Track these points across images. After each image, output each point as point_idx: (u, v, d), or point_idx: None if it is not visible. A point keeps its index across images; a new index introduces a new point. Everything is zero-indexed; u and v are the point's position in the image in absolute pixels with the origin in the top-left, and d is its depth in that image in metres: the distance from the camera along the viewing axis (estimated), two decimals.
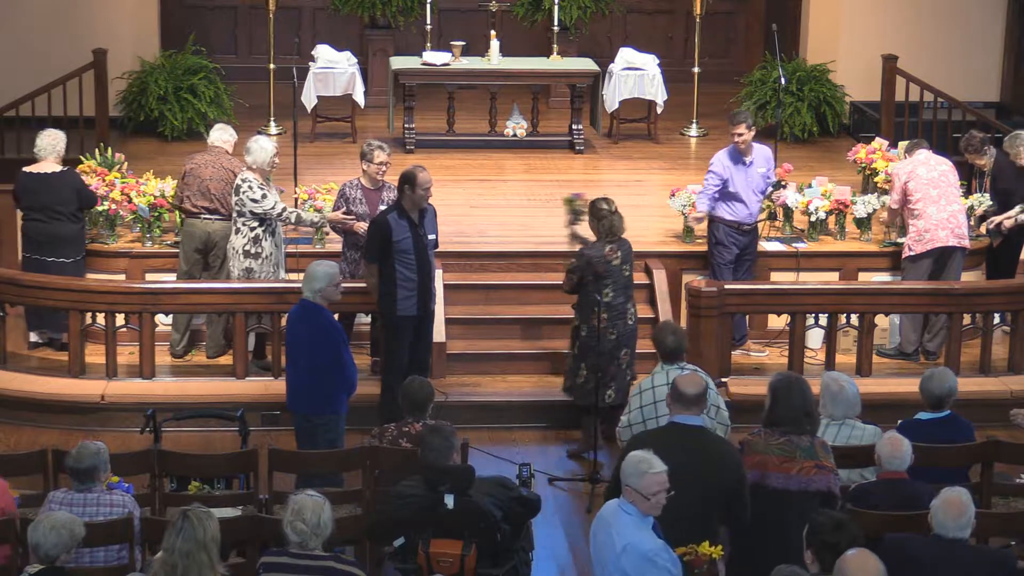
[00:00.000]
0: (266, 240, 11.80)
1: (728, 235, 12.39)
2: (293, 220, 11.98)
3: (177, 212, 12.60)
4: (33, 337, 12.51)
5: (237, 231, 11.81)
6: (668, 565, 7.05)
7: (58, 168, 12.30)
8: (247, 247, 11.78)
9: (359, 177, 11.90)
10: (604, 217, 11.09)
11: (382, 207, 11.57)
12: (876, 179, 13.86)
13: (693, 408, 7.78)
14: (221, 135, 12.56)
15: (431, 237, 11.12)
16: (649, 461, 7.10)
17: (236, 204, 11.75)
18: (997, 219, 12.93)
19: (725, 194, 12.30)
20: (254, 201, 11.69)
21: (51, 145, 12.37)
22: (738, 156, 12.32)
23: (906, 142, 13.25)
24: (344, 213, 11.78)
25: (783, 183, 13.04)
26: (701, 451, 7.64)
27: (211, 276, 12.17)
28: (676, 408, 7.82)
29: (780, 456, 7.85)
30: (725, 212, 12.38)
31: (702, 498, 7.52)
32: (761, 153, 12.47)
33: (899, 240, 12.84)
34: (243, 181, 11.78)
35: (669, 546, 7.12)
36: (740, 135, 12.26)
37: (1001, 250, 13.17)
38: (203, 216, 12.18)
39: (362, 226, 11.61)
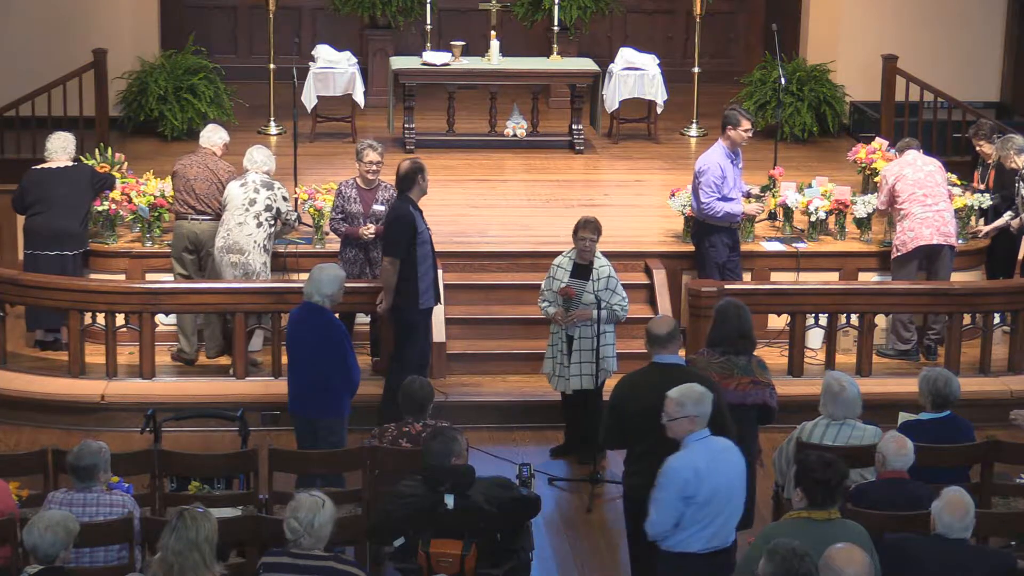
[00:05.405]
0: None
1: (721, 237, 12.26)
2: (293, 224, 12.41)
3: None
4: (40, 335, 12.50)
5: (259, 225, 11.81)
6: None
7: (69, 163, 12.40)
8: (266, 244, 11.91)
9: (355, 177, 11.92)
10: None
11: (376, 207, 11.60)
12: (876, 179, 13.84)
13: (669, 346, 8.44)
14: (211, 136, 12.51)
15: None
16: (699, 387, 7.71)
17: (268, 199, 11.81)
18: (984, 230, 13.01)
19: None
20: (285, 199, 11.94)
21: (62, 147, 12.42)
22: (730, 155, 12.20)
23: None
24: (339, 212, 11.84)
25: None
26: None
27: (204, 276, 12.16)
28: (653, 349, 8.47)
29: (719, 373, 8.78)
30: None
31: None
32: (739, 151, 12.36)
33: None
34: (273, 179, 12.05)
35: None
36: (748, 131, 12.18)
37: (1000, 250, 13.18)
38: (191, 217, 12.19)
39: (369, 229, 11.63)
